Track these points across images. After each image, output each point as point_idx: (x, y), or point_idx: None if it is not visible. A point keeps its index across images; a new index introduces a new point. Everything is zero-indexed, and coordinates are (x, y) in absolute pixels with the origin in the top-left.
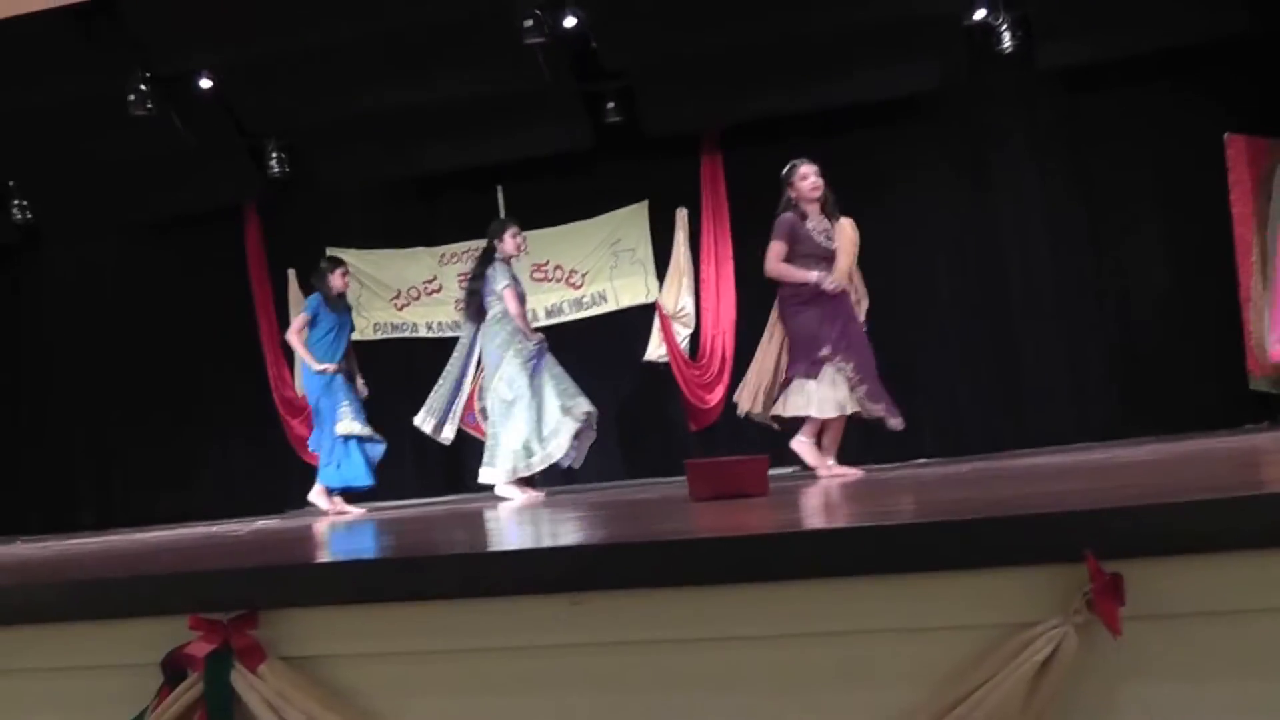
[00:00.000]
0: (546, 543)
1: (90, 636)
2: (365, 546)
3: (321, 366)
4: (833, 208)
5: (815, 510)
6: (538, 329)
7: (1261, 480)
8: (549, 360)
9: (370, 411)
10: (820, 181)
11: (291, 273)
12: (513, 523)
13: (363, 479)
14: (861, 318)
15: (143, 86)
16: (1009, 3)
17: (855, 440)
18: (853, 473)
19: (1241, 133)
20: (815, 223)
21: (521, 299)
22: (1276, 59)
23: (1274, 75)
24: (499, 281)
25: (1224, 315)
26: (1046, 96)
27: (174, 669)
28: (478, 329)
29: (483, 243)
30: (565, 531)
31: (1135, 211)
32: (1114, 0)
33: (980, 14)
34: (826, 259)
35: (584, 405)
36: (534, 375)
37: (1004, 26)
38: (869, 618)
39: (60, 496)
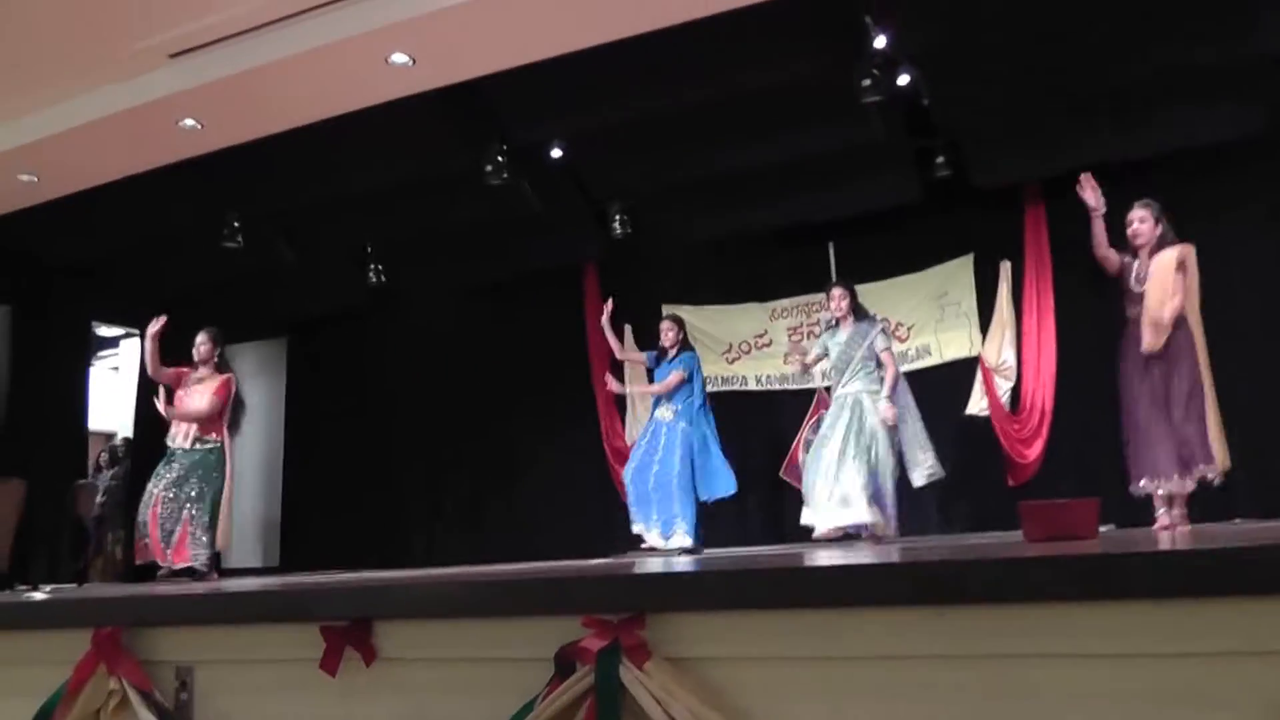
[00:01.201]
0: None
1: (489, 632)
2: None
3: None
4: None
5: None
6: None
7: None
8: None
9: None
10: (1140, 226)
11: (628, 328)
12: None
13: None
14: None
15: (500, 158)
16: None
17: None
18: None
19: None
20: (1138, 265)
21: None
22: None
23: None
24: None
25: None
26: None
27: (565, 662)
28: None
29: (814, 296)
30: (925, 554)
31: None
32: None
33: None
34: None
35: None
36: None
37: None
38: (1215, 639)
39: (395, 538)
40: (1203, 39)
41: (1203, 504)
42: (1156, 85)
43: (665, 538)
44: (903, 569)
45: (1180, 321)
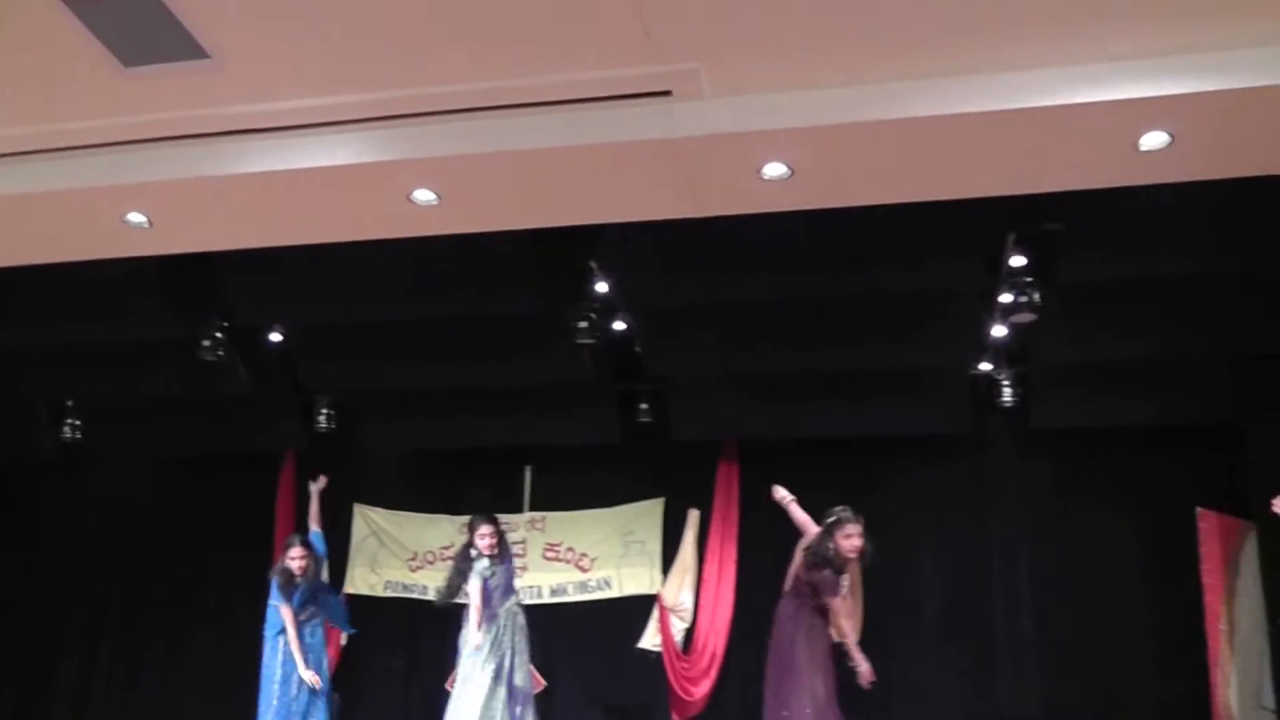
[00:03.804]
0: None
1: None
2: None
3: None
4: (866, 561)
5: None
6: (541, 606)
7: None
8: None
9: (365, 668)
10: (860, 542)
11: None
12: None
13: None
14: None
15: (218, 334)
16: (1011, 360)
17: None
18: None
19: (1214, 508)
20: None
21: None
22: (1244, 448)
23: (1242, 463)
24: None
25: (1195, 677)
26: (1040, 452)
27: None
28: None
29: (506, 516)
30: None
31: (1115, 572)
32: (1104, 374)
33: (985, 366)
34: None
35: None
36: None
37: (1005, 382)
38: None
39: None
40: (898, 342)
41: None
42: (852, 374)
43: None
44: None
45: None
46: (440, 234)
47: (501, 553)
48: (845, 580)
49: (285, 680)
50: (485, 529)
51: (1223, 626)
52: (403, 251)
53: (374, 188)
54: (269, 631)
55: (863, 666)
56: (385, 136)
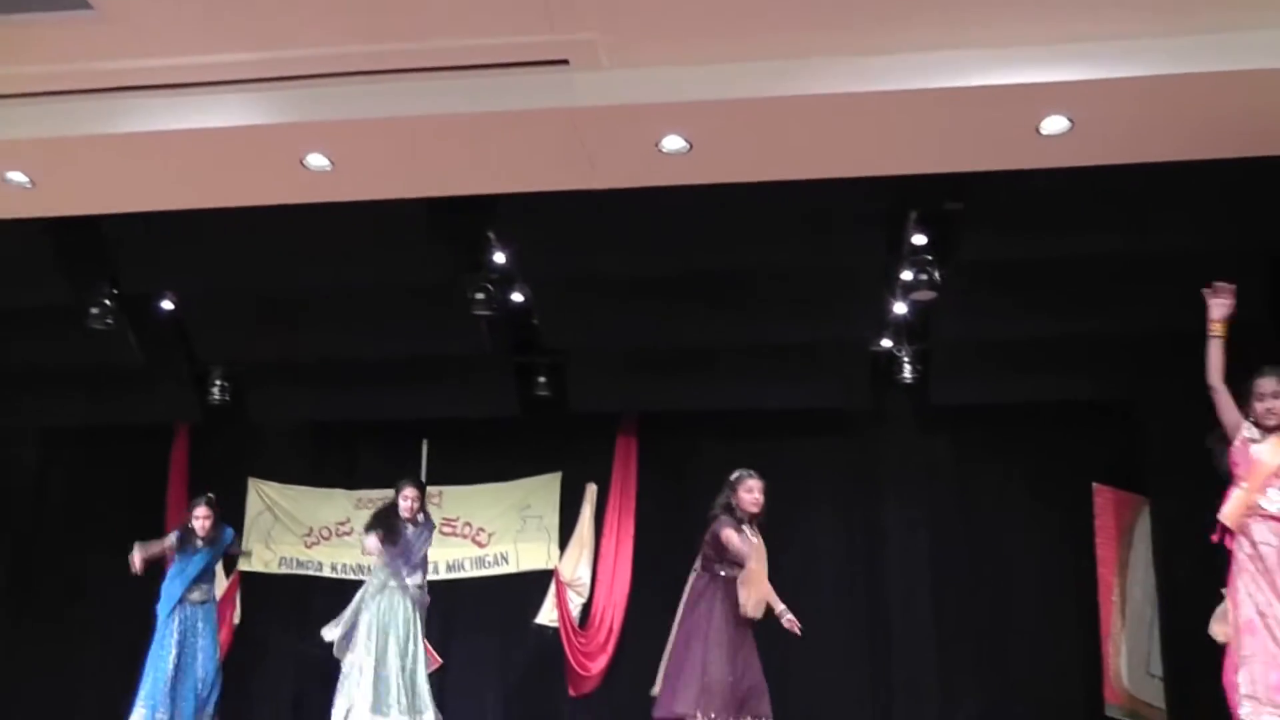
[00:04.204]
0: None
1: None
2: None
3: None
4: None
5: None
6: (437, 582)
7: None
8: None
9: (260, 645)
10: (761, 499)
11: (210, 496)
12: None
13: None
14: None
15: (107, 301)
16: (911, 336)
17: None
18: None
19: (1109, 484)
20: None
21: None
22: (1137, 425)
23: (1135, 439)
24: None
25: (1087, 647)
26: (939, 428)
27: None
28: None
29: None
30: None
31: (1012, 545)
32: (1003, 352)
33: (886, 343)
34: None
35: None
36: None
37: (905, 358)
38: None
39: None
40: (799, 317)
41: None
42: (751, 348)
43: None
44: None
45: None
46: (335, 200)
47: (425, 520)
48: (752, 537)
49: (172, 660)
50: (409, 491)
51: (1115, 598)
52: (297, 218)
53: (266, 151)
54: (162, 610)
55: (787, 616)
56: (278, 98)
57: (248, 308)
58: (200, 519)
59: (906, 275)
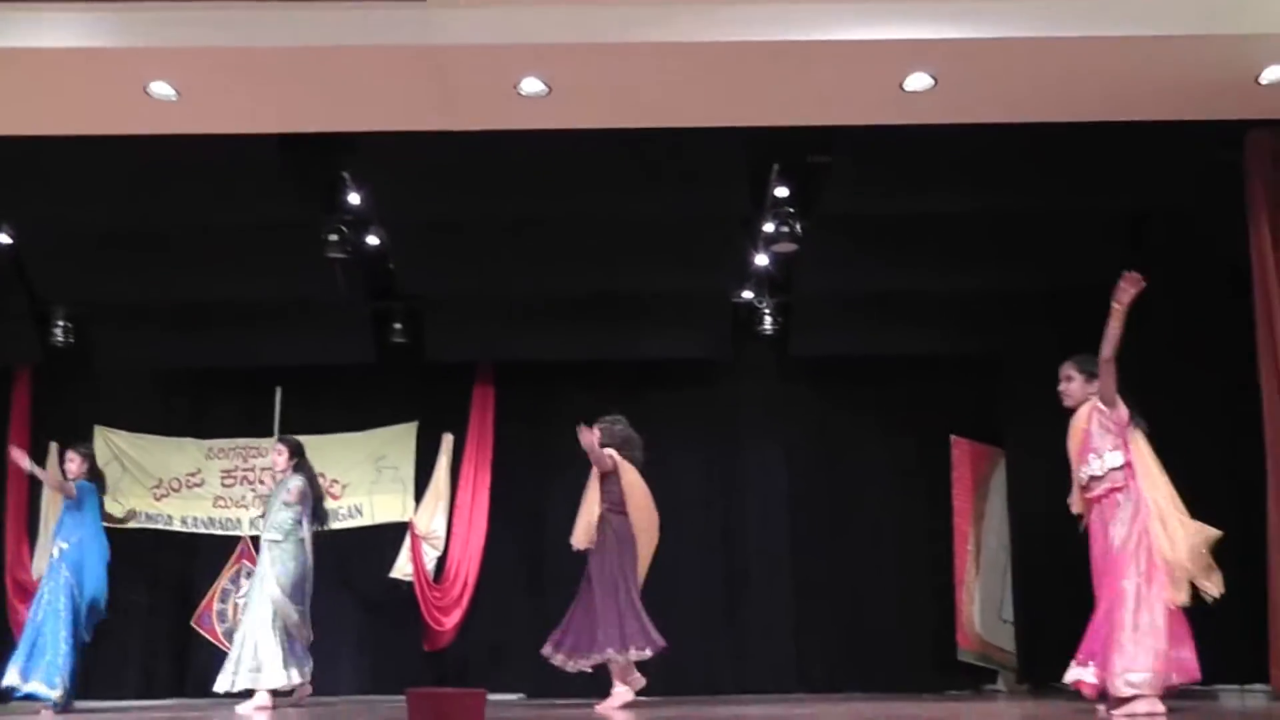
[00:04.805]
0: None
1: None
2: None
3: None
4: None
5: None
6: None
7: None
8: None
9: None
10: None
11: (54, 445)
12: None
13: None
14: None
15: None
16: (773, 289)
17: None
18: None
19: (967, 436)
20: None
21: None
22: (995, 380)
23: (992, 393)
24: None
25: (941, 594)
26: (800, 379)
27: None
28: None
29: (254, 441)
30: None
31: (870, 495)
32: (864, 306)
33: (747, 294)
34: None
35: None
36: None
37: (766, 310)
38: None
39: None
40: (659, 267)
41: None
42: (612, 298)
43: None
44: None
45: None
46: (182, 133)
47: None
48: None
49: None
50: (279, 446)
51: (970, 547)
52: (144, 150)
53: (107, 76)
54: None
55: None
56: (119, 20)
57: (91, 244)
58: (72, 463)
59: (769, 227)
